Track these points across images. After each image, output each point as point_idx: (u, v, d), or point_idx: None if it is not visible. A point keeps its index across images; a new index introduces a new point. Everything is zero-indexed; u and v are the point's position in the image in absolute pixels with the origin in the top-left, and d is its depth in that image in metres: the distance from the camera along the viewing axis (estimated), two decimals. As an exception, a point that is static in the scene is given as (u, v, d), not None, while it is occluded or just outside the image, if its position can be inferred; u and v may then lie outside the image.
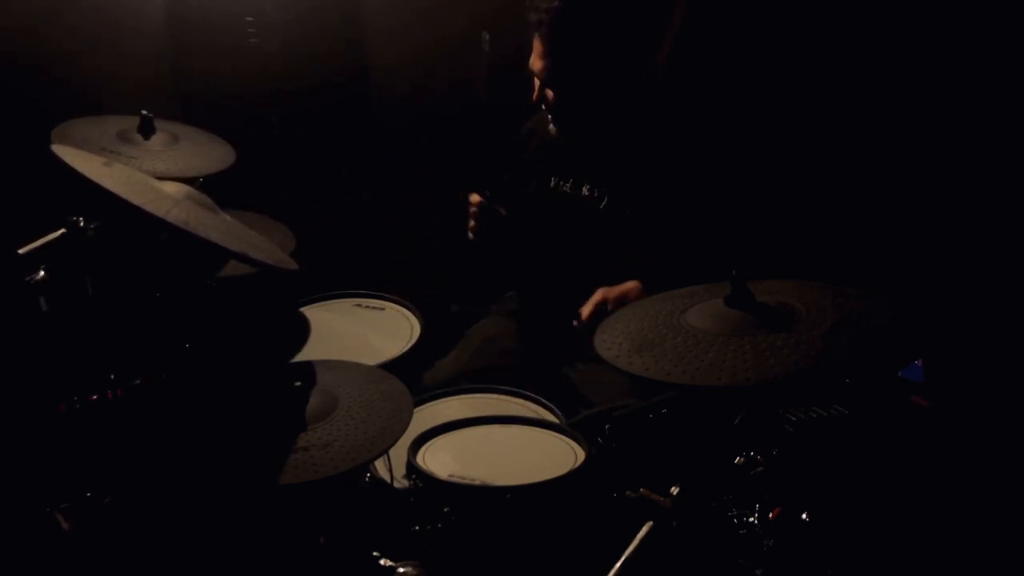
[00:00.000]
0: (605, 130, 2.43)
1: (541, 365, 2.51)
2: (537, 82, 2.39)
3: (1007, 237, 2.42)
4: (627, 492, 1.79)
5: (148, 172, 2.21)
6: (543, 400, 2.26)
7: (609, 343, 1.73)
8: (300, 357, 2.31)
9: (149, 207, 1.77)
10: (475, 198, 2.52)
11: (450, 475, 1.91)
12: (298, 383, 1.84)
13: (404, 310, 2.58)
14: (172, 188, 1.96)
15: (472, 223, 2.54)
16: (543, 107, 2.42)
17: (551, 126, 2.46)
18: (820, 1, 2.57)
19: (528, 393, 2.28)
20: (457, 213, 2.69)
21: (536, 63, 2.34)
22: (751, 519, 1.85)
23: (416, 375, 2.49)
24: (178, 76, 3.19)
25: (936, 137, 2.47)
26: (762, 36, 2.62)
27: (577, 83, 2.34)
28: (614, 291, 2.31)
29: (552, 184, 2.52)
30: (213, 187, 2.23)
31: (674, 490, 1.75)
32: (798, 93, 2.60)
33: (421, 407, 2.24)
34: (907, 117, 2.51)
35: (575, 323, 2.32)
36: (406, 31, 3.22)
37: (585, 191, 2.47)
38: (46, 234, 2.07)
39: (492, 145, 2.77)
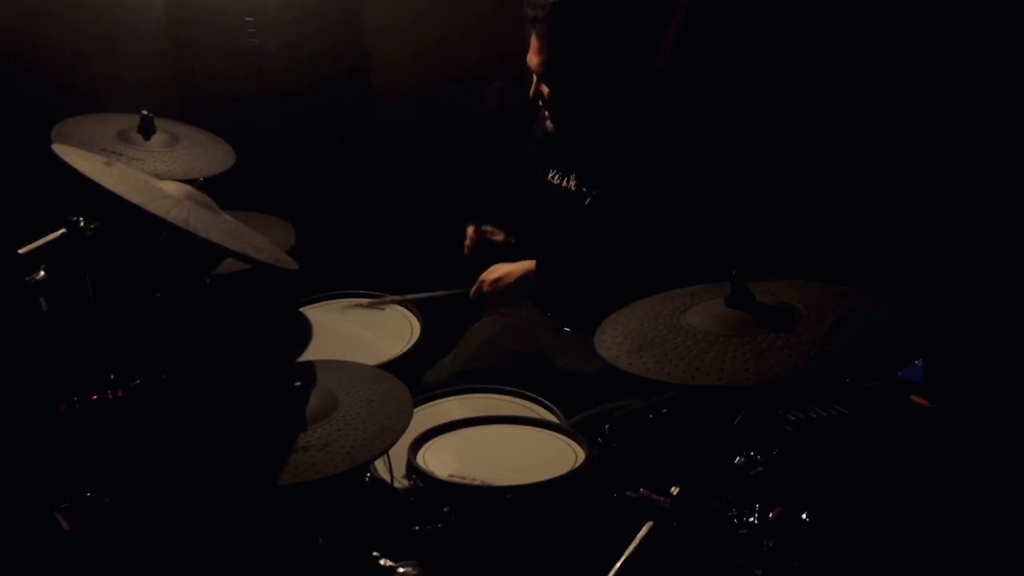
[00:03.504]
0: (600, 126, 2.44)
1: (541, 365, 2.51)
2: (534, 78, 2.40)
3: (1007, 237, 2.42)
4: (627, 492, 1.79)
5: (148, 172, 2.21)
6: (543, 400, 2.26)
7: (609, 343, 1.73)
8: (300, 357, 2.31)
9: (149, 207, 1.77)
10: (471, 231, 2.65)
11: (450, 475, 1.91)
12: (298, 383, 1.84)
13: (404, 310, 2.58)
14: (172, 188, 1.96)
15: (468, 245, 2.66)
16: (540, 103, 2.43)
17: (547, 122, 2.47)
18: (820, 2, 2.57)
19: (528, 393, 2.28)
20: (455, 213, 2.69)
21: (532, 59, 2.35)
22: (751, 519, 1.85)
23: (416, 375, 2.49)
24: (178, 76, 3.18)
25: (937, 136, 2.47)
26: (763, 35, 2.62)
27: (573, 78, 2.34)
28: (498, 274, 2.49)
29: (548, 177, 2.54)
30: (213, 187, 2.23)
31: (674, 490, 1.75)
32: (798, 92, 2.60)
33: (421, 407, 2.24)
34: (907, 118, 2.51)
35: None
36: (406, 31, 3.22)
37: (572, 186, 2.47)
38: (46, 234, 2.07)
39: (500, 146, 2.78)
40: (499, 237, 2.67)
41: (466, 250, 2.68)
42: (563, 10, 2.26)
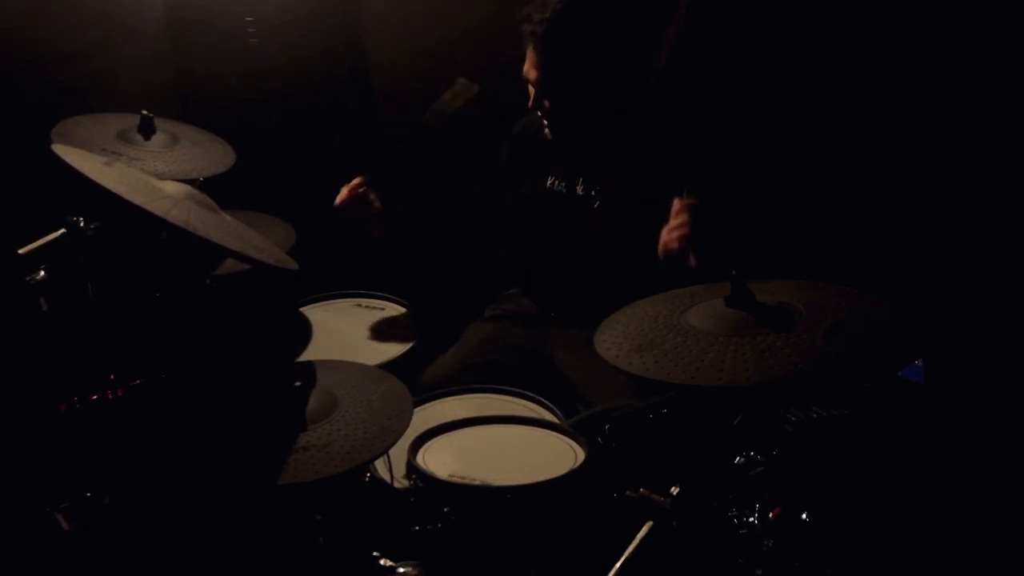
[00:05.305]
0: (600, 135, 2.44)
1: (541, 363, 2.51)
2: (532, 89, 2.40)
3: (1006, 237, 2.42)
4: (627, 492, 1.79)
5: (148, 172, 2.22)
6: (543, 400, 2.26)
7: (609, 343, 1.73)
8: (300, 357, 2.31)
9: (149, 207, 1.77)
10: (356, 181, 2.51)
11: (450, 475, 1.90)
12: (298, 383, 1.84)
13: (404, 310, 2.59)
14: (172, 188, 1.96)
15: (344, 196, 2.51)
16: (539, 113, 2.44)
17: (546, 130, 2.47)
18: (820, 1, 2.57)
19: (528, 393, 2.28)
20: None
21: (531, 72, 2.37)
22: (751, 519, 1.85)
23: (416, 375, 2.49)
24: (178, 76, 3.19)
25: (936, 137, 2.47)
26: (763, 34, 2.62)
27: (571, 94, 2.36)
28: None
29: (548, 183, 2.53)
30: (213, 187, 2.23)
31: (674, 490, 1.75)
32: (799, 92, 2.60)
33: (421, 407, 2.24)
34: (906, 118, 2.51)
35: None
36: (406, 31, 3.22)
37: (579, 190, 2.48)
38: (46, 234, 2.07)
39: (483, 147, 2.78)
40: (377, 206, 2.53)
41: (338, 200, 2.52)
42: (558, 27, 2.26)
